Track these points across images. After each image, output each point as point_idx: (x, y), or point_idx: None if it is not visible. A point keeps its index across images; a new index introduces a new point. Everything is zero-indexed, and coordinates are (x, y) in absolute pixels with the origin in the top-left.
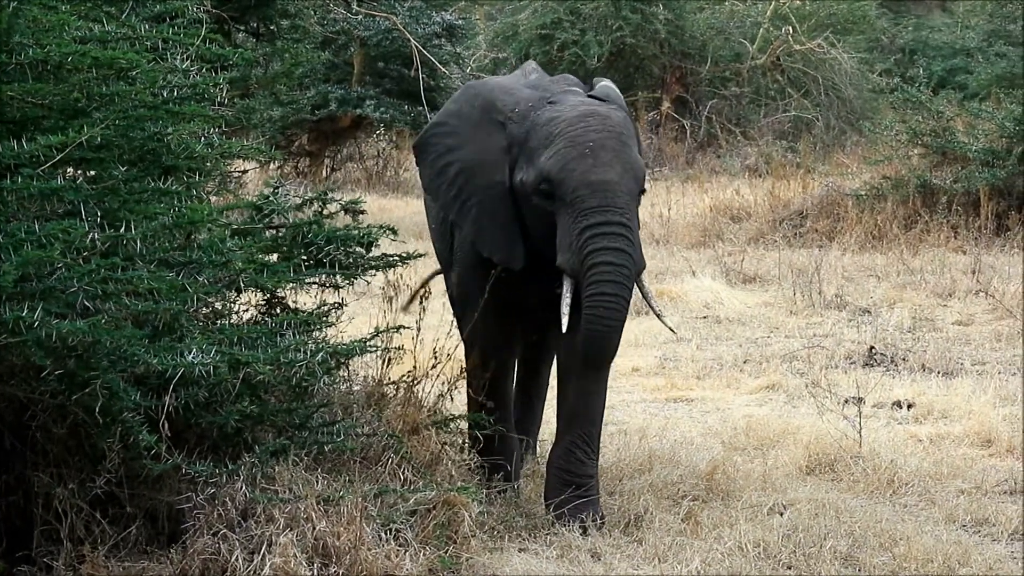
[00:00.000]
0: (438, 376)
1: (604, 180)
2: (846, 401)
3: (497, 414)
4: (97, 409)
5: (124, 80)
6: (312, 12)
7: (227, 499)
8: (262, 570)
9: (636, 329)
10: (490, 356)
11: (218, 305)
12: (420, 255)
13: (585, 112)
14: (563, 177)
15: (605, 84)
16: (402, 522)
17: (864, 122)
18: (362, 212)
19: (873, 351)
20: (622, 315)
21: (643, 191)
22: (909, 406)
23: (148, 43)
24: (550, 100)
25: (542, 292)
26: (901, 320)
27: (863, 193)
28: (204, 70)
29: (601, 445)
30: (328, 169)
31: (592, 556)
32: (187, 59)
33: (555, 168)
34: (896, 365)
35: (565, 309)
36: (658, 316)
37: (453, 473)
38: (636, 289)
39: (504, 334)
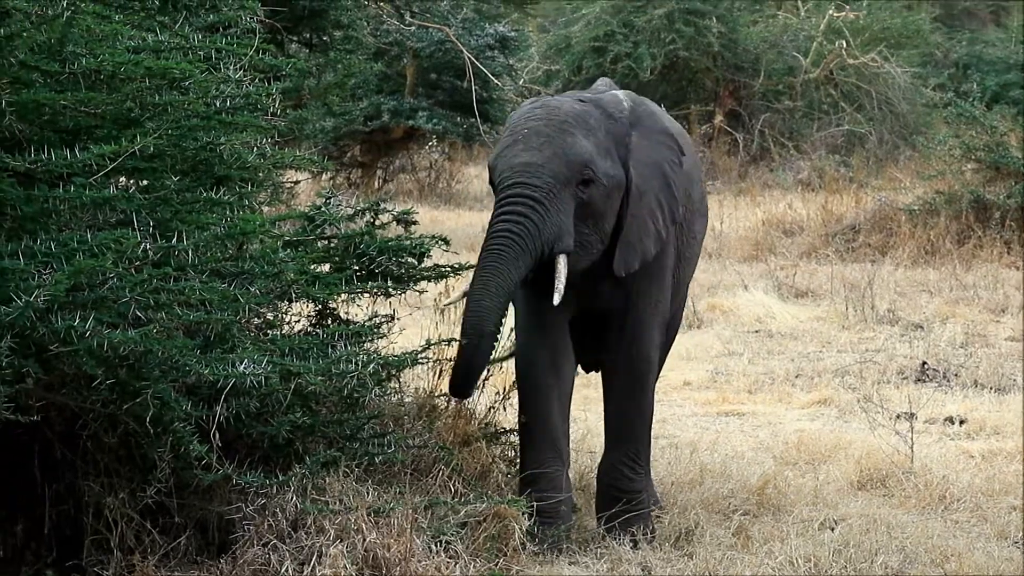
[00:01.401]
0: (488, 387)
1: (526, 162)
2: (898, 416)
3: (531, 436)
4: (148, 419)
5: (177, 90)
6: (365, 23)
7: (277, 510)
8: None
9: (688, 343)
10: (523, 374)
11: (270, 316)
12: (472, 266)
13: (536, 105)
14: (495, 164)
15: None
16: (452, 534)
17: (917, 136)
18: (414, 223)
19: (925, 366)
20: (497, 281)
21: (586, 180)
22: (961, 422)
23: (201, 53)
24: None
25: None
26: (954, 335)
27: (916, 208)
28: (257, 80)
29: (652, 459)
30: (380, 180)
31: (642, 570)
32: (240, 69)
33: (492, 157)
34: (948, 381)
35: (557, 285)
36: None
37: (503, 485)
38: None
39: (534, 347)
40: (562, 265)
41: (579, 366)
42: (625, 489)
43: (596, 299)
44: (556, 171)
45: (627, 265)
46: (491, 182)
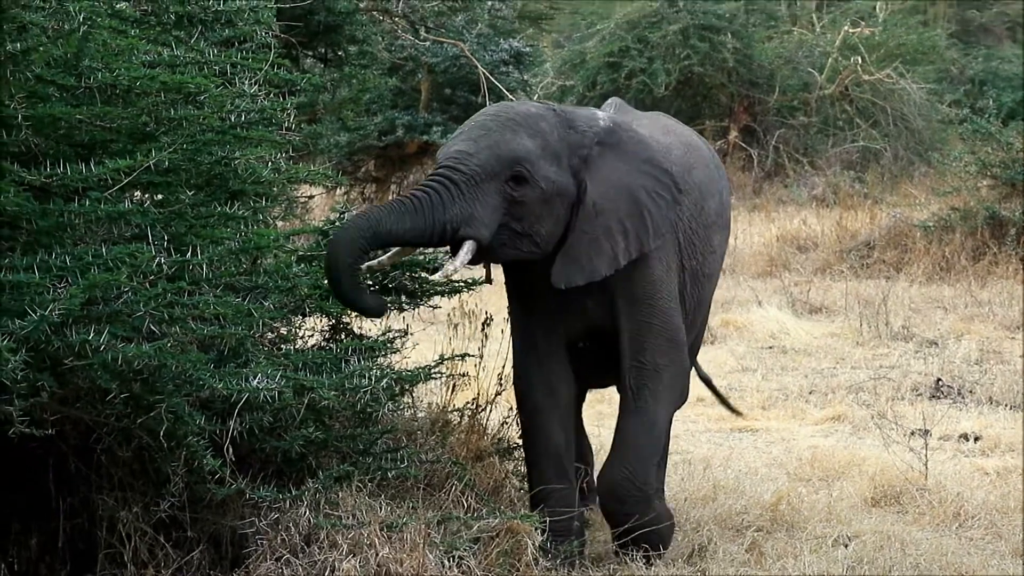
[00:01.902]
0: (502, 403)
1: (459, 150)
2: (912, 433)
3: (534, 456)
4: (162, 433)
5: (192, 104)
6: (380, 38)
7: (290, 524)
8: None
9: (702, 359)
10: (520, 398)
11: (283, 330)
12: (485, 281)
13: (496, 105)
14: (438, 154)
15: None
16: (465, 549)
17: (933, 153)
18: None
19: (940, 383)
20: (378, 216)
21: (518, 177)
22: (976, 439)
23: (216, 68)
24: None
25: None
26: (968, 352)
27: (931, 224)
28: (272, 95)
29: (666, 475)
30: (394, 195)
31: None
32: (255, 84)
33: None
34: (963, 397)
35: (454, 262)
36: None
37: (516, 500)
38: None
39: (528, 369)
40: (465, 250)
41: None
42: (634, 504)
43: (579, 317)
44: (484, 161)
45: (567, 279)
46: None
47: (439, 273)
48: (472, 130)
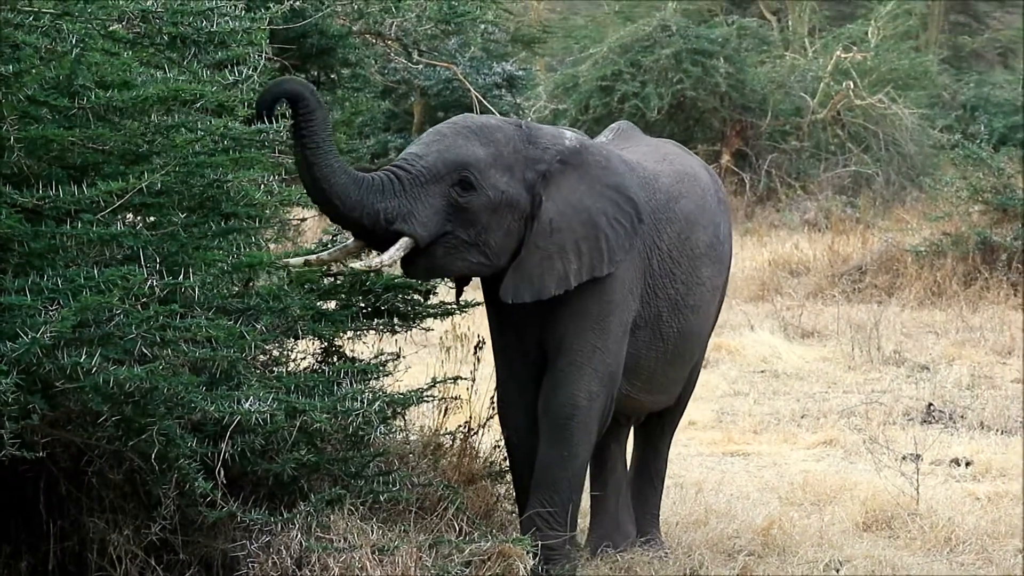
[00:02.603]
0: (494, 426)
1: (411, 152)
2: (904, 458)
3: (516, 478)
4: (153, 455)
5: (185, 126)
6: (373, 61)
7: (282, 547)
8: None
9: None
10: (500, 418)
11: (275, 353)
12: (479, 303)
13: (460, 115)
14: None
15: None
16: (457, 573)
17: (924, 178)
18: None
19: (931, 408)
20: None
21: (464, 183)
22: (967, 464)
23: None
24: None
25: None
26: (960, 377)
27: (923, 249)
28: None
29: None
30: None
31: None
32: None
33: None
34: (955, 422)
35: (383, 256)
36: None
37: (508, 524)
38: None
39: (504, 389)
40: (398, 245)
41: None
42: (544, 544)
43: (528, 333)
44: (430, 164)
45: (515, 294)
46: None
47: (363, 263)
48: (428, 135)
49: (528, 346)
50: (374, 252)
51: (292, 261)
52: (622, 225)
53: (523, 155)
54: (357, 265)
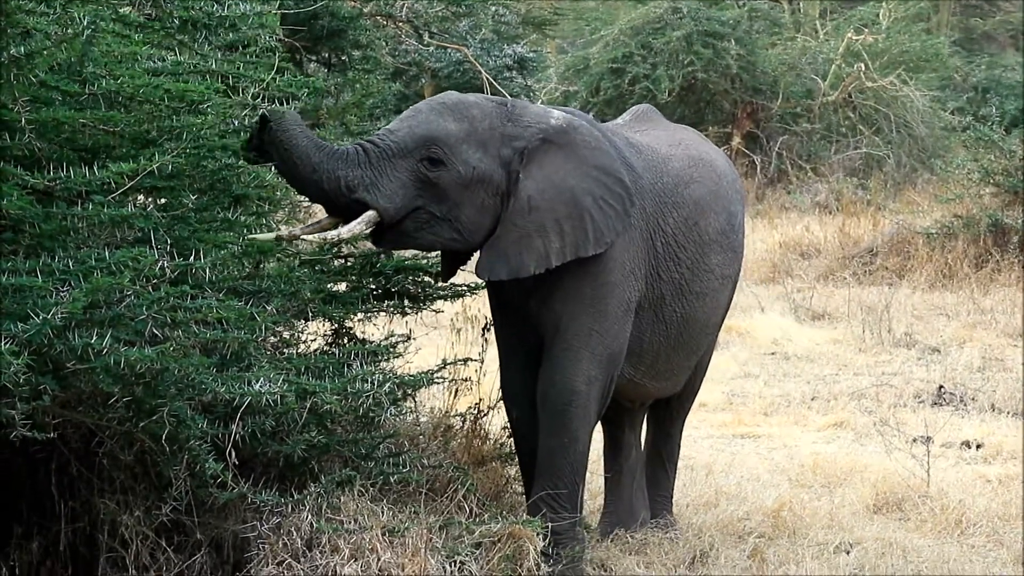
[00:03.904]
0: (503, 408)
1: (384, 128)
2: (914, 440)
3: (521, 463)
4: (164, 437)
5: (194, 114)
6: (384, 43)
7: (292, 529)
8: None
9: None
10: (505, 404)
11: (286, 334)
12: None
13: (442, 93)
14: None
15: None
16: (467, 554)
17: (936, 160)
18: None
19: (942, 390)
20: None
21: (433, 159)
22: (978, 446)
23: (220, 75)
24: None
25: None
26: (971, 359)
27: (934, 231)
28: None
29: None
30: None
31: None
32: (259, 93)
33: None
34: (965, 405)
35: (349, 225)
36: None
37: (518, 505)
38: None
39: (508, 376)
40: (362, 219)
41: None
42: (552, 530)
43: (526, 316)
44: (399, 139)
45: (491, 271)
46: None
47: (318, 236)
48: (406, 112)
49: (526, 330)
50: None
51: (261, 237)
52: (611, 207)
53: (500, 132)
54: (312, 237)
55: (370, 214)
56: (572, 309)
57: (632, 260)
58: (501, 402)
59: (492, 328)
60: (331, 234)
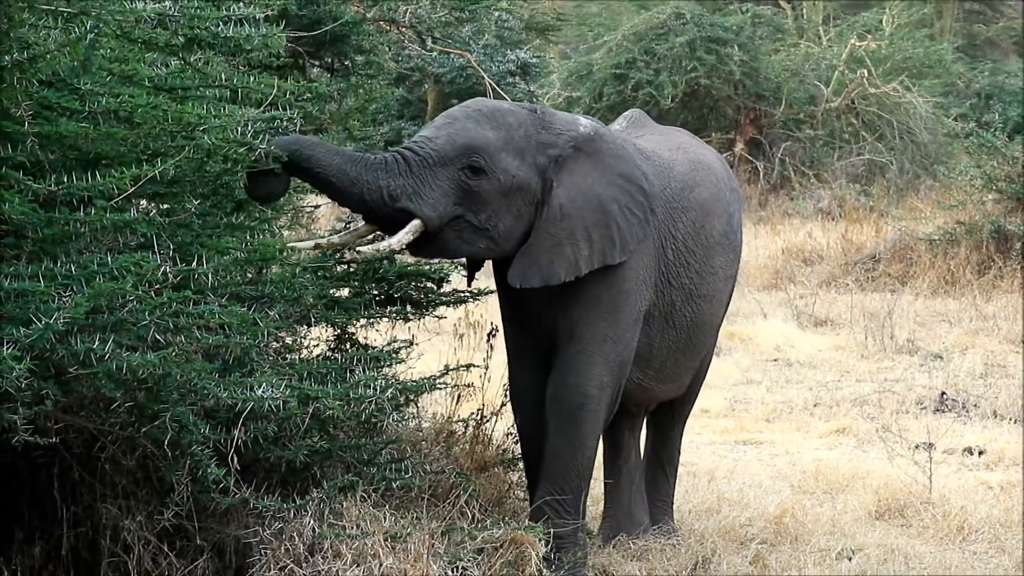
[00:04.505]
0: (506, 414)
1: (421, 135)
2: (916, 446)
3: (528, 467)
4: (166, 442)
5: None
6: (387, 48)
7: (294, 534)
8: None
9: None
10: (512, 406)
11: (289, 340)
12: (491, 291)
13: (473, 99)
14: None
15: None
16: (469, 560)
17: (938, 166)
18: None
19: (944, 397)
20: (328, 150)
21: (474, 167)
22: (980, 452)
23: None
24: None
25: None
26: (973, 366)
27: (936, 238)
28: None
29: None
30: None
31: None
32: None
33: None
34: (967, 411)
35: (395, 237)
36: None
37: (520, 511)
38: None
39: (518, 379)
40: (409, 227)
41: None
42: (555, 534)
43: (540, 320)
44: (440, 147)
45: (524, 279)
46: None
47: (371, 247)
48: (440, 118)
49: (540, 334)
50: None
51: (301, 245)
52: (634, 215)
53: (535, 140)
54: (366, 249)
55: (416, 223)
56: (589, 315)
57: (645, 269)
58: (503, 408)
59: (497, 334)
60: (382, 245)
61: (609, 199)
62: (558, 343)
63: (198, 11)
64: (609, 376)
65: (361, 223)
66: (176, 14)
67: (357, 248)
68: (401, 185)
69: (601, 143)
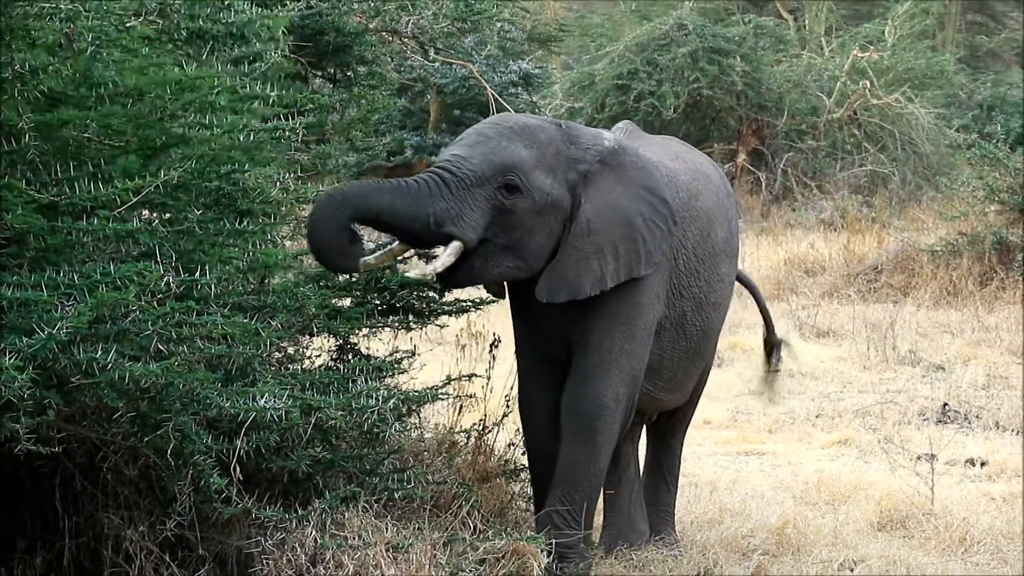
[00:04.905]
0: (508, 424)
1: (454, 154)
2: (919, 458)
3: (536, 476)
4: (168, 452)
5: (200, 125)
6: (389, 59)
7: (296, 544)
8: None
9: (708, 381)
10: (522, 415)
11: (291, 350)
12: (493, 301)
13: (498, 115)
14: (437, 159)
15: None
16: (471, 571)
17: (940, 177)
18: (435, 256)
19: (947, 408)
20: (374, 188)
21: (510, 185)
22: (982, 464)
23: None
24: None
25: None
26: (975, 377)
27: (938, 249)
28: (280, 116)
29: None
30: None
31: None
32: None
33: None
34: (970, 422)
35: (437, 261)
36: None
37: (522, 522)
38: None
39: (529, 388)
40: (450, 249)
41: None
42: (558, 542)
43: (554, 333)
44: (476, 166)
45: (551, 294)
46: None
47: (417, 271)
48: (470, 136)
49: (554, 347)
50: (416, 256)
51: (368, 258)
52: (658, 227)
53: (565, 156)
54: (413, 274)
55: (456, 245)
56: (607, 327)
57: (659, 282)
58: (506, 419)
59: (499, 344)
60: (428, 270)
61: (635, 212)
62: (574, 355)
63: None
64: (624, 388)
65: (394, 243)
66: (177, 3)
67: (404, 274)
68: (445, 209)
69: (624, 156)
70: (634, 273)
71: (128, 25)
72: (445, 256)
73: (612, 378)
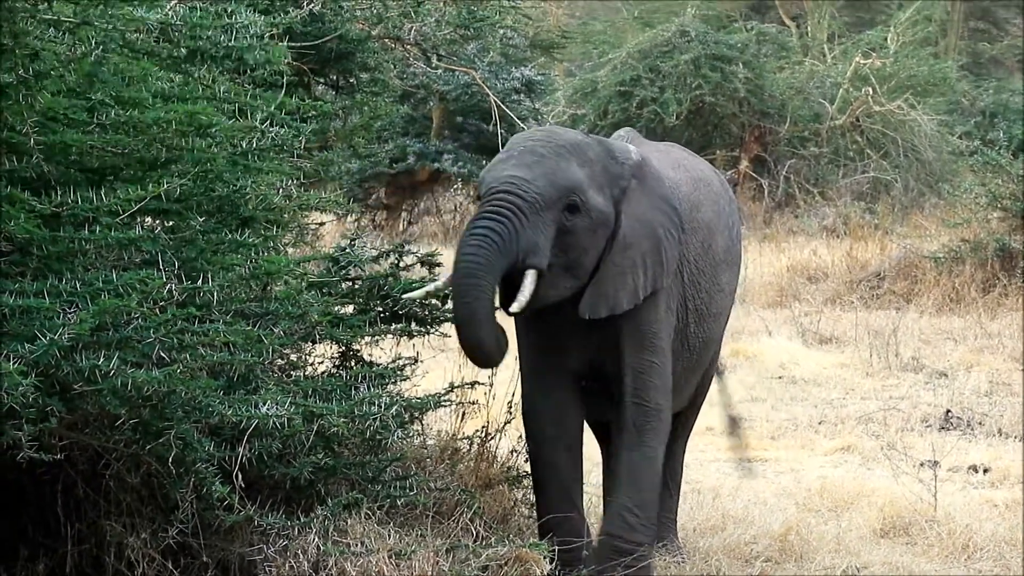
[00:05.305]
0: (511, 431)
1: (514, 175)
2: (921, 464)
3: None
4: (171, 459)
5: (203, 137)
6: (392, 66)
7: (299, 551)
8: None
9: (711, 388)
10: (528, 427)
11: (293, 357)
12: (496, 308)
13: (538, 130)
14: (485, 177)
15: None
16: None
17: (943, 184)
18: (438, 265)
19: (949, 414)
20: (468, 298)
21: (572, 206)
22: (985, 470)
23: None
24: None
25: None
26: (978, 384)
27: (941, 256)
28: (283, 124)
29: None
30: (405, 222)
31: None
32: (267, 117)
33: (483, 171)
34: (972, 429)
35: (520, 297)
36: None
37: (525, 529)
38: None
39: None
40: (529, 280)
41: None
42: (627, 539)
43: (571, 350)
44: (542, 189)
45: (592, 310)
46: (478, 195)
47: (516, 306)
48: (523, 155)
49: (571, 361)
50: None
51: (414, 294)
52: (672, 235)
53: (609, 172)
54: (514, 308)
55: (534, 273)
56: (633, 345)
57: (667, 295)
58: (508, 425)
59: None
60: (514, 307)
61: (657, 224)
62: (608, 371)
63: (200, 19)
64: (664, 399)
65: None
66: (178, 23)
67: (504, 310)
68: (527, 241)
69: (647, 168)
70: (657, 285)
71: (130, 38)
72: (528, 287)
73: (651, 388)
